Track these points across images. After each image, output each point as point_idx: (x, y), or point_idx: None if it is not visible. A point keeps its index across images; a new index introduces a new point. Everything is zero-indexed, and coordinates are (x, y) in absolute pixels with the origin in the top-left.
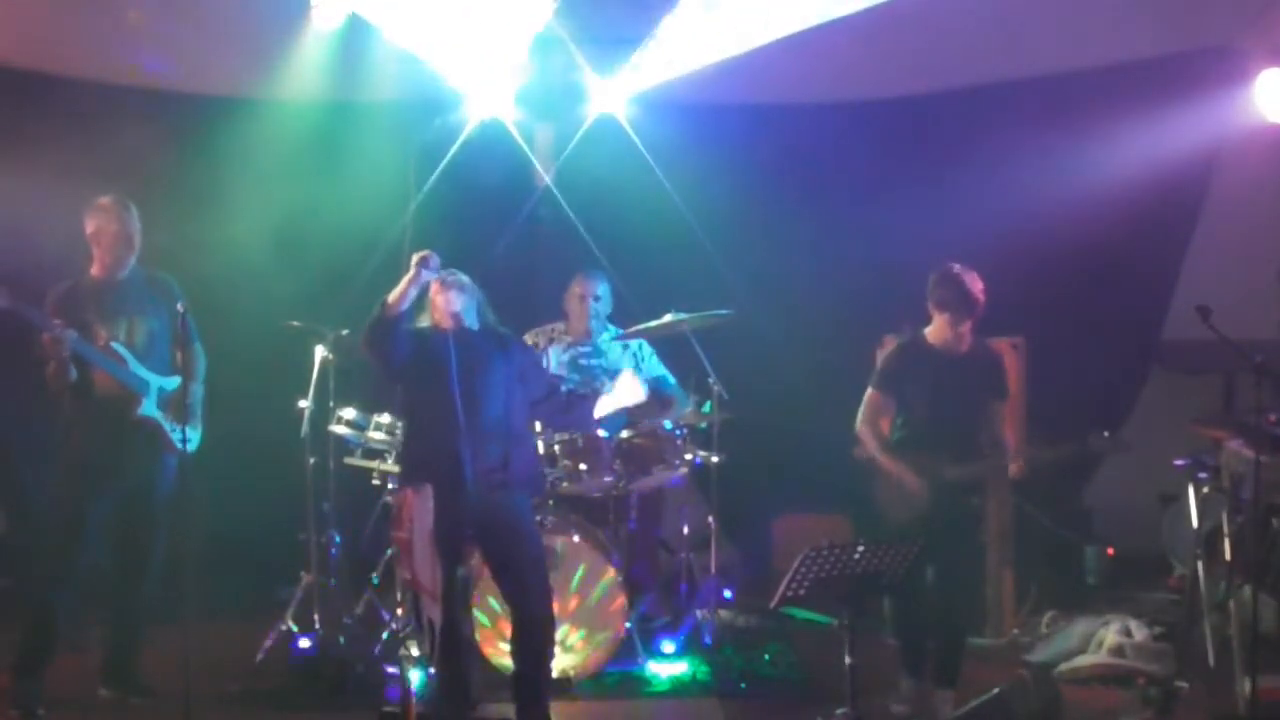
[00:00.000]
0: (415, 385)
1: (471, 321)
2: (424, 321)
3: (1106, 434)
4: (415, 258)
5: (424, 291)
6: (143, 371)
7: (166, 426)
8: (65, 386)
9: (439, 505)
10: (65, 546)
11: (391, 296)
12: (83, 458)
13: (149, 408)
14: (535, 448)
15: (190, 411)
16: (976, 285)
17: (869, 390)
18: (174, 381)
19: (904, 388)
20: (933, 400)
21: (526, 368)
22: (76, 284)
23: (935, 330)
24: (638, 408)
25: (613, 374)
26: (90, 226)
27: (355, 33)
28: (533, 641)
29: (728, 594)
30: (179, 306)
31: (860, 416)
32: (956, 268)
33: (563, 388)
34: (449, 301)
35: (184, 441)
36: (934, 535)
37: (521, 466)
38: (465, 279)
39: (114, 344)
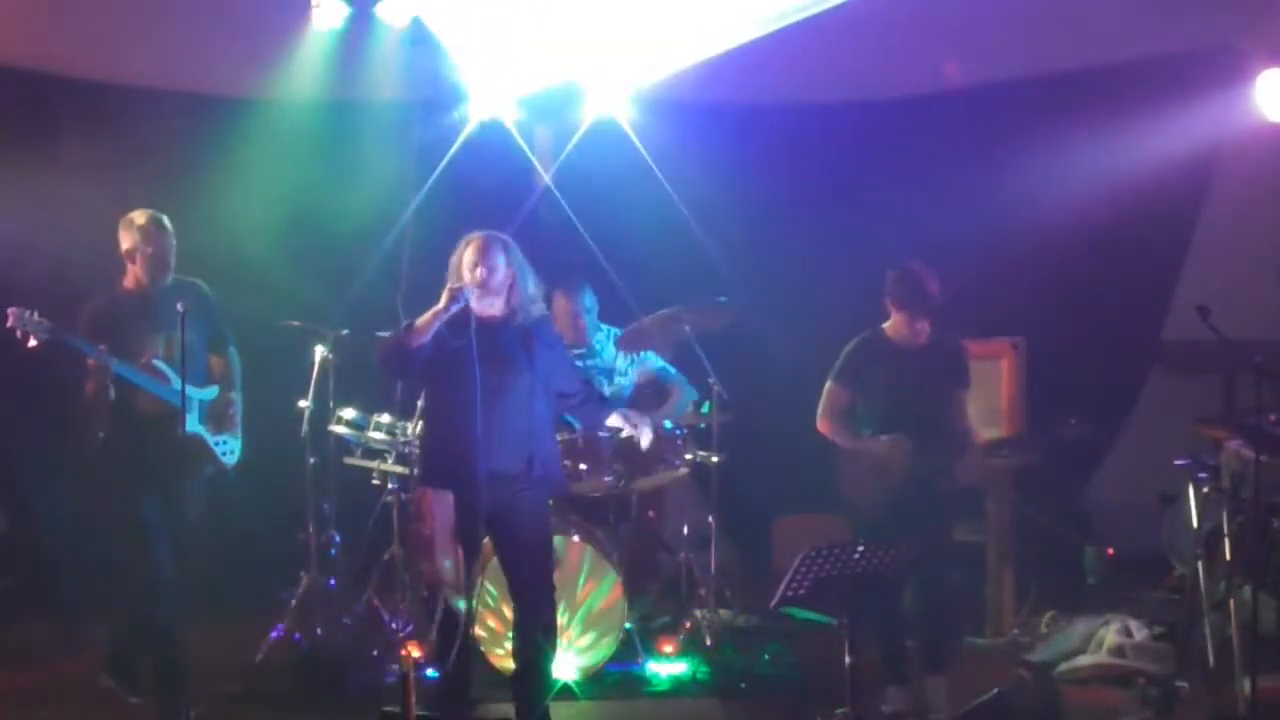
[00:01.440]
0: (433, 386)
1: (502, 314)
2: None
3: (1073, 421)
4: (446, 292)
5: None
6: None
7: (210, 441)
8: (104, 406)
9: (459, 503)
10: (143, 563)
11: (419, 323)
12: (126, 475)
13: (193, 424)
14: (557, 446)
15: (231, 420)
16: (933, 285)
17: (829, 383)
18: (211, 392)
19: (865, 382)
20: (896, 394)
21: (554, 363)
22: (111, 297)
23: (893, 325)
24: (642, 397)
25: (609, 373)
26: (125, 243)
27: (356, 32)
28: (533, 641)
29: (728, 594)
30: (179, 306)
31: (820, 410)
32: (914, 266)
33: (599, 390)
34: (483, 307)
35: (228, 454)
36: (905, 527)
37: (542, 468)
38: (502, 266)
39: (155, 361)
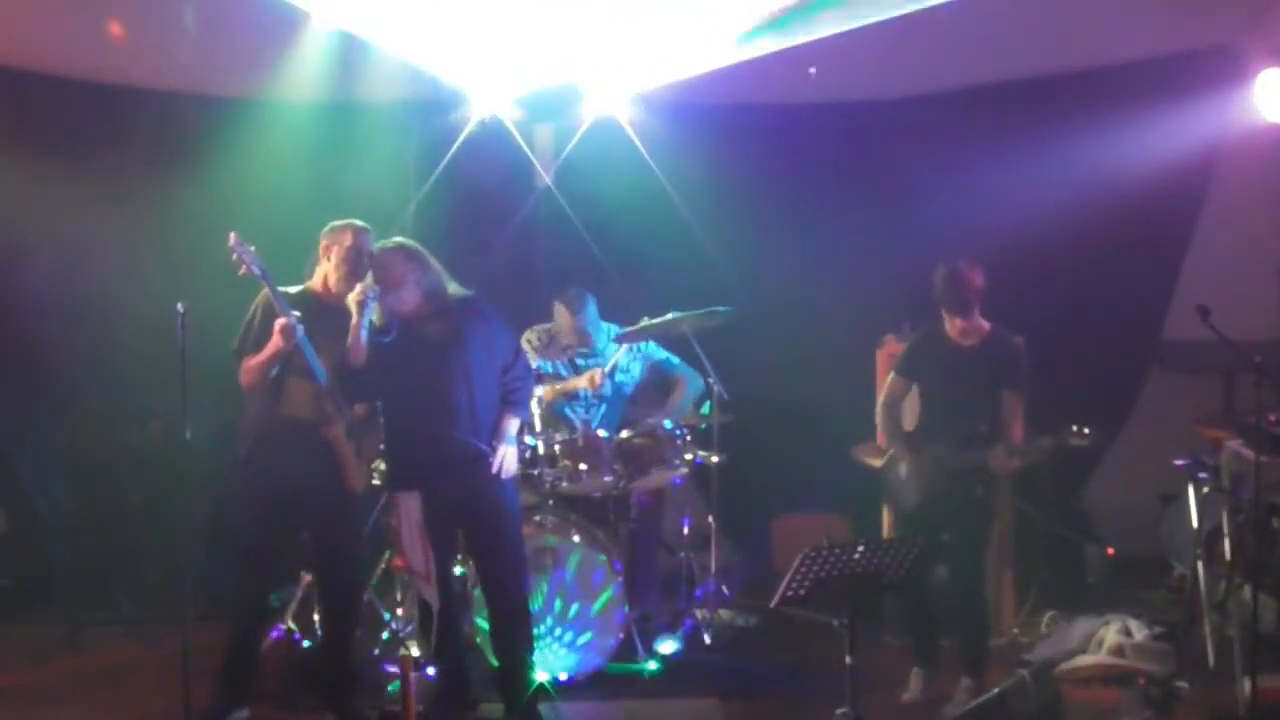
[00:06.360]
0: (381, 393)
1: (418, 304)
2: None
3: (1086, 430)
4: (352, 304)
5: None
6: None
7: (348, 453)
8: (263, 382)
9: (424, 500)
10: (248, 577)
11: (350, 345)
12: (266, 480)
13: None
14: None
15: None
16: (975, 281)
17: (890, 374)
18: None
19: (918, 374)
20: (941, 389)
21: (490, 333)
22: (299, 292)
23: (947, 323)
24: (646, 396)
25: (611, 371)
26: (322, 243)
27: (354, 33)
28: (508, 632)
29: (728, 594)
30: (179, 306)
31: (880, 400)
32: (958, 265)
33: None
34: (398, 303)
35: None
36: (939, 526)
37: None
38: (400, 261)
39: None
